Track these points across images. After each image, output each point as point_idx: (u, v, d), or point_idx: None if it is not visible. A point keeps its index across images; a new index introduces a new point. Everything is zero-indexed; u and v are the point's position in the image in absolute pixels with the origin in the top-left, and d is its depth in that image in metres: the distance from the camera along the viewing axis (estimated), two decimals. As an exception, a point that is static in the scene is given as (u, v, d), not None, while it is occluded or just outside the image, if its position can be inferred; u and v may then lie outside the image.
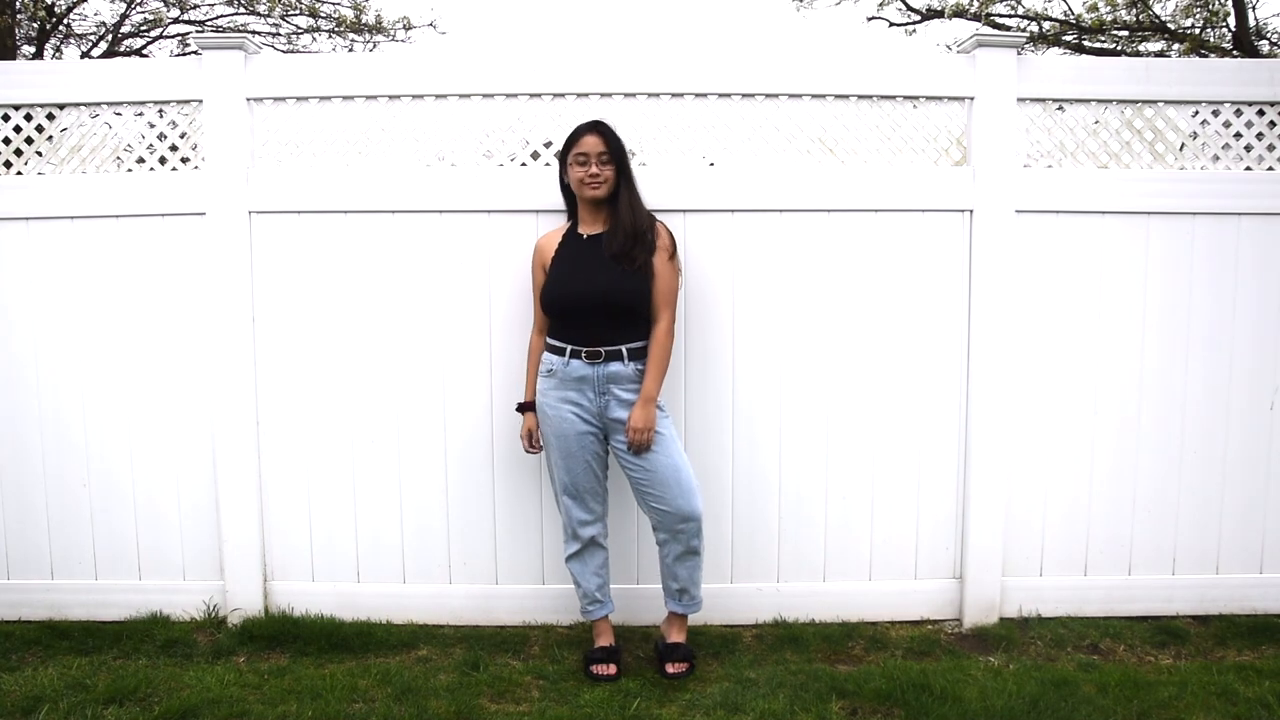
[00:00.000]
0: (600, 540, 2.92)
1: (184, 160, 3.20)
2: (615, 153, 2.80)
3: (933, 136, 3.19)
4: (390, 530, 3.23)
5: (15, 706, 2.61)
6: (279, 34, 10.68)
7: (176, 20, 10.27)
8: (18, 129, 3.17)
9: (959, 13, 9.62)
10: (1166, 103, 3.18)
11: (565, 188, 2.94)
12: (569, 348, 2.80)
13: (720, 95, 3.14)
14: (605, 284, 2.75)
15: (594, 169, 2.77)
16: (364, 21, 10.25)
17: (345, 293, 3.15)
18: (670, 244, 2.85)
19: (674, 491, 2.77)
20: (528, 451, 3.00)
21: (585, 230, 2.88)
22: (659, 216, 2.91)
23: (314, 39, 10.74)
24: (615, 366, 2.78)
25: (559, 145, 3.15)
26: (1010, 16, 10.01)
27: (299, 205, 3.13)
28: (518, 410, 3.00)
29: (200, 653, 3.00)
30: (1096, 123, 3.21)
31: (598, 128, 2.82)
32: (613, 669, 2.84)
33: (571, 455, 2.82)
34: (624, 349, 2.79)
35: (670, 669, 2.84)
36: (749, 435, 3.19)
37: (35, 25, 9.41)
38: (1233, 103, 3.18)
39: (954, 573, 3.27)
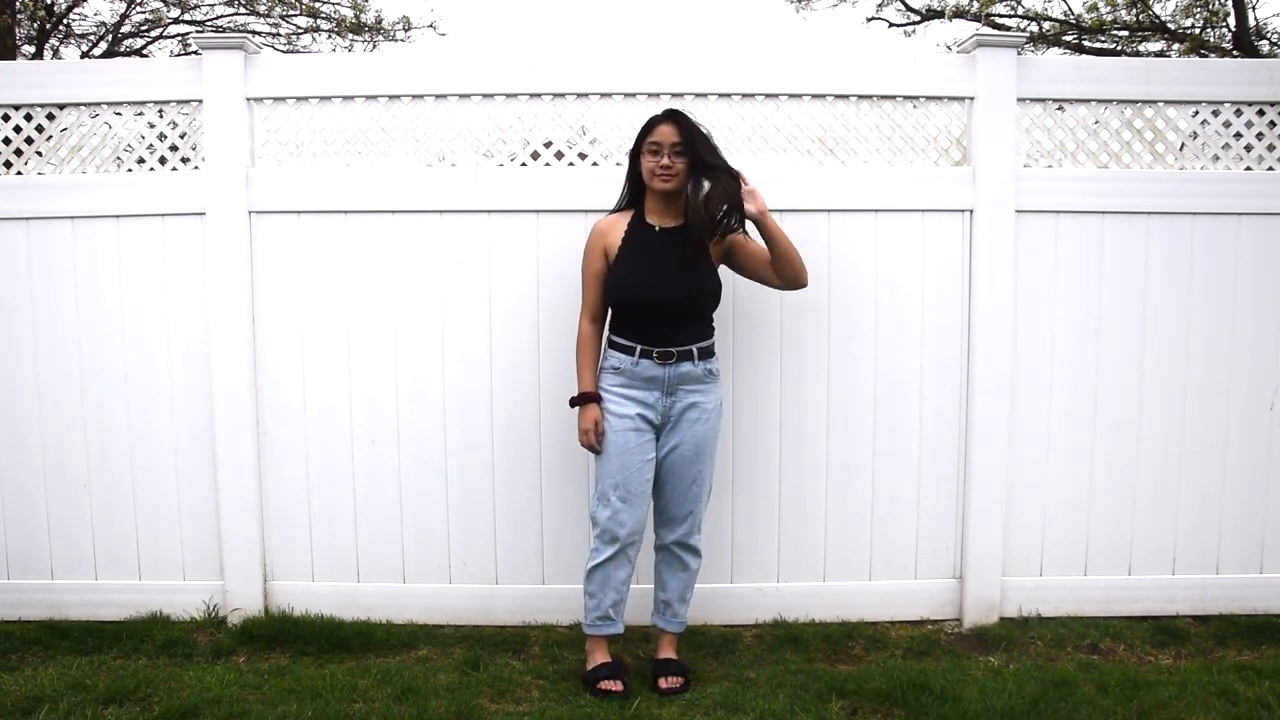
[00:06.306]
0: (632, 552, 2.75)
1: (184, 160, 3.20)
2: (690, 144, 2.64)
3: (933, 137, 3.19)
4: (390, 530, 3.23)
5: (15, 706, 2.61)
6: (279, 34, 10.69)
7: (176, 20, 10.28)
8: (18, 129, 3.17)
9: (959, 13, 9.61)
10: (1166, 103, 3.19)
11: (635, 178, 2.77)
12: (639, 347, 2.69)
13: (720, 95, 3.14)
14: (687, 286, 2.69)
15: (666, 160, 2.63)
16: (364, 22, 10.25)
17: (345, 293, 3.15)
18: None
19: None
20: (592, 448, 2.74)
21: (656, 222, 2.74)
22: None
23: (314, 39, 10.75)
24: (686, 367, 2.71)
25: (559, 145, 3.15)
26: (1010, 16, 10.01)
27: (299, 205, 3.13)
28: (575, 404, 2.77)
29: (200, 653, 2.99)
30: (1097, 123, 3.21)
31: (674, 117, 2.66)
32: (620, 685, 2.70)
33: (629, 453, 2.69)
34: (694, 349, 2.71)
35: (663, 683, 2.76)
36: (749, 434, 3.19)
37: (35, 25, 9.41)
38: (1233, 103, 3.18)
39: (954, 572, 3.27)
